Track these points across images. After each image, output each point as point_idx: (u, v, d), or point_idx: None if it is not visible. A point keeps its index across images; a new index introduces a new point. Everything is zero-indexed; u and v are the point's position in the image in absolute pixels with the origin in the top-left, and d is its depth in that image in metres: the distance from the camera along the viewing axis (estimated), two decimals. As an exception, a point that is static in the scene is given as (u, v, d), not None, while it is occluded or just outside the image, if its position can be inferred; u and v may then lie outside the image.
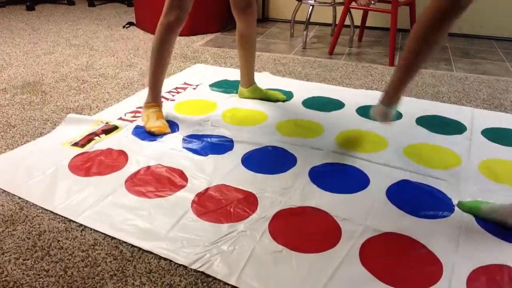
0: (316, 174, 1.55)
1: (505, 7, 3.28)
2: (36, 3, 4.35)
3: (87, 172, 1.53)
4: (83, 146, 1.70)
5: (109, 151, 1.67)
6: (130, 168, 1.56)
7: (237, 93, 2.23)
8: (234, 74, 2.53)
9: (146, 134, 1.80)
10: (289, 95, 2.24)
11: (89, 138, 1.75)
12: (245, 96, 2.19)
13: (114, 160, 1.62)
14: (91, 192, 1.43)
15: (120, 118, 1.94)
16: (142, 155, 1.65)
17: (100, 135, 1.78)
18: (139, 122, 1.90)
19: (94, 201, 1.38)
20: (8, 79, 2.41)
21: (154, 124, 1.82)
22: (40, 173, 1.53)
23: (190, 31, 3.34)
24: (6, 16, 3.93)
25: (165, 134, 1.79)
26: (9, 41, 3.14)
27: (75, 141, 1.74)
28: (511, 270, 1.14)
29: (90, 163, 1.59)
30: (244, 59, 2.11)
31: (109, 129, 1.83)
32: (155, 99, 1.90)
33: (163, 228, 1.27)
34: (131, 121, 1.91)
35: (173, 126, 1.88)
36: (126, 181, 1.49)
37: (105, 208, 1.35)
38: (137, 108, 2.04)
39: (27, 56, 2.83)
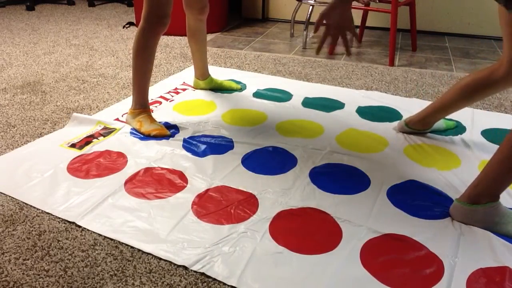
0: (317, 175, 1.55)
1: (505, 7, 3.27)
2: (36, 3, 4.35)
3: (86, 174, 1.53)
4: (81, 148, 1.70)
5: (108, 152, 1.67)
6: (129, 170, 1.56)
7: (234, 92, 2.27)
8: (234, 74, 2.53)
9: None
10: (288, 95, 2.24)
11: (87, 141, 1.75)
12: (201, 87, 2.28)
13: (113, 161, 1.61)
14: (91, 194, 1.43)
15: (117, 119, 1.94)
16: (141, 156, 1.64)
17: (98, 137, 1.77)
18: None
19: (93, 203, 1.38)
20: (8, 79, 2.41)
21: (152, 127, 1.78)
22: (39, 175, 1.52)
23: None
24: (6, 16, 3.93)
25: (165, 137, 1.77)
26: (9, 41, 3.14)
27: (73, 143, 1.73)
28: (511, 271, 1.14)
29: (89, 165, 1.58)
30: (198, 53, 2.18)
31: (107, 131, 1.82)
32: (142, 105, 1.84)
33: (164, 230, 1.27)
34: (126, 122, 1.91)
35: (172, 127, 1.87)
36: (125, 183, 1.48)
37: (105, 210, 1.35)
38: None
39: (27, 56, 2.83)
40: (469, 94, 1.61)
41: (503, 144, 1.25)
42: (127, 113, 1.90)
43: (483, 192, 1.27)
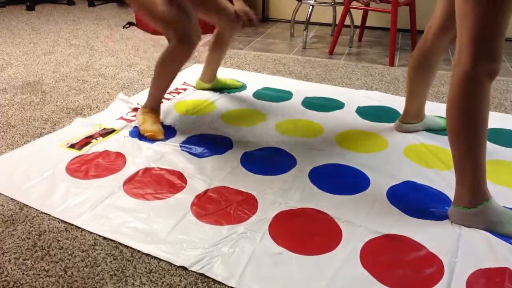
0: (316, 175, 1.55)
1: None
2: (36, 3, 4.35)
3: (85, 175, 1.53)
4: (80, 148, 1.69)
5: (107, 153, 1.67)
6: (128, 170, 1.55)
7: (234, 92, 2.28)
8: (234, 74, 2.53)
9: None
10: (288, 95, 2.24)
11: (86, 141, 1.74)
12: (205, 87, 2.28)
13: (112, 162, 1.61)
14: (90, 194, 1.42)
15: (121, 118, 1.94)
16: (140, 156, 1.64)
17: (97, 138, 1.77)
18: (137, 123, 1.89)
19: (92, 204, 1.37)
20: (8, 79, 2.41)
21: (149, 128, 1.78)
22: (38, 175, 1.52)
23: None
24: (6, 16, 3.93)
25: (157, 140, 1.75)
26: (9, 41, 3.14)
27: (72, 143, 1.73)
28: (511, 272, 1.14)
29: (88, 166, 1.58)
30: (216, 61, 2.17)
31: (107, 132, 1.82)
32: (153, 109, 1.85)
33: (163, 231, 1.27)
34: (130, 121, 1.91)
35: (171, 127, 1.88)
36: (124, 184, 1.48)
37: (104, 211, 1.35)
38: (138, 105, 2.04)
39: (27, 56, 2.83)
40: (419, 69, 1.69)
41: (451, 141, 1.28)
42: (131, 111, 1.92)
43: (471, 193, 1.27)
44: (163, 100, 2.14)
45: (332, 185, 1.49)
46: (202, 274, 1.13)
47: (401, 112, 2.04)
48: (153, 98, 1.84)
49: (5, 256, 1.18)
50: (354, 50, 3.08)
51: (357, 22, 3.32)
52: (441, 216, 1.35)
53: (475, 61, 1.16)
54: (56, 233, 1.27)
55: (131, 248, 1.22)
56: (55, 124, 1.91)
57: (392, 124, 1.93)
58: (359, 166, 1.61)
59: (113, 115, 1.97)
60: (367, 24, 3.34)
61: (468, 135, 1.22)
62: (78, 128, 1.85)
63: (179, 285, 1.10)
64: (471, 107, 1.20)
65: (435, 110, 2.07)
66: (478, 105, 1.19)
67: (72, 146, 1.71)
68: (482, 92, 1.18)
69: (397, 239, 1.25)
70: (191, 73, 2.54)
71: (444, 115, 1.99)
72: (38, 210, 1.36)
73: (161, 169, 1.57)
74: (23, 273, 1.13)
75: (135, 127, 1.86)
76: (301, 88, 2.34)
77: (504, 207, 1.32)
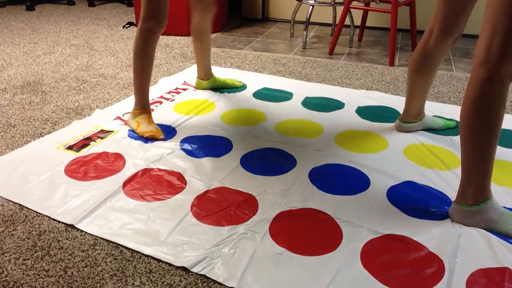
0: (316, 175, 1.55)
1: (505, 7, 3.27)
2: (36, 3, 4.35)
3: (84, 176, 1.52)
4: (78, 150, 1.68)
5: (106, 154, 1.66)
6: (128, 171, 1.55)
7: (234, 92, 2.27)
8: (234, 74, 2.53)
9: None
10: (288, 95, 2.24)
11: (84, 143, 1.73)
12: (204, 86, 2.28)
13: (111, 163, 1.60)
14: (89, 196, 1.41)
15: (118, 117, 1.94)
16: (140, 157, 1.64)
17: (96, 140, 1.76)
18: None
19: (92, 206, 1.37)
20: (8, 79, 2.41)
21: (147, 129, 1.78)
22: (36, 177, 1.51)
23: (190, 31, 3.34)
24: (6, 16, 3.93)
25: (158, 140, 1.76)
26: (9, 41, 3.14)
27: (70, 145, 1.72)
28: (511, 272, 1.14)
29: (87, 167, 1.57)
30: (203, 53, 2.17)
31: (105, 134, 1.81)
32: (143, 106, 1.84)
33: (163, 232, 1.27)
34: (126, 122, 1.90)
35: (171, 127, 1.87)
36: (124, 185, 1.47)
37: (104, 213, 1.34)
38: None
39: (27, 56, 2.83)
40: (419, 69, 1.70)
41: (466, 141, 1.27)
42: (129, 113, 1.90)
43: (476, 191, 1.27)
44: (162, 100, 2.15)
45: (332, 185, 1.49)
46: (202, 274, 1.13)
47: (401, 112, 2.05)
48: (139, 93, 1.82)
49: (5, 256, 1.18)
50: (354, 50, 3.08)
51: (357, 22, 3.32)
52: (441, 216, 1.35)
53: (502, 61, 1.16)
54: (56, 233, 1.27)
55: (131, 248, 1.22)
56: (55, 124, 1.91)
57: (392, 124, 1.94)
58: (359, 166, 1.61)
59: (110, 115, 1.97)
60: (367, 24, 3.33)
61: (484, 133, 1.22)
62: (75, 129, 1.84)
63: (179, 285, 1.10)
64: (491, 105, 1.19)
65: (435, 110, 2.07)
66: (498, 104, 1.19)
67: (70, 147, 1.70)
68: (503, 92, 1.19)
69: (397, 239, 1.25)
70: (191, 72, 2.54)
71: (444, 115, 2.00)
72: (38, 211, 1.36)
73: (161, 170, 1.56)
74: (23, 273, 1.13)
75: (134, 128, 1.85)
76: (301, 88, 2.34)
77: (504, 207, 1.32)
